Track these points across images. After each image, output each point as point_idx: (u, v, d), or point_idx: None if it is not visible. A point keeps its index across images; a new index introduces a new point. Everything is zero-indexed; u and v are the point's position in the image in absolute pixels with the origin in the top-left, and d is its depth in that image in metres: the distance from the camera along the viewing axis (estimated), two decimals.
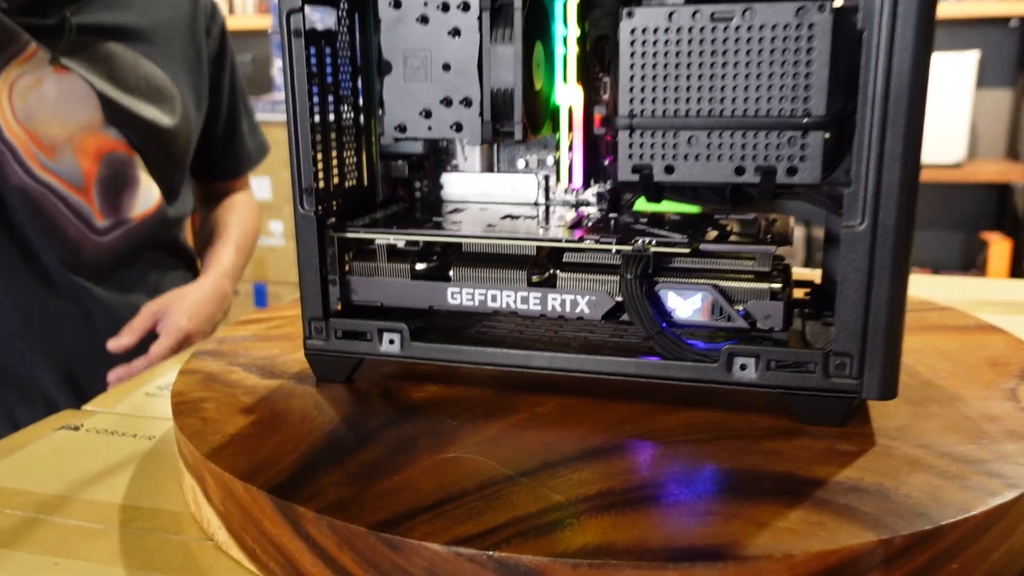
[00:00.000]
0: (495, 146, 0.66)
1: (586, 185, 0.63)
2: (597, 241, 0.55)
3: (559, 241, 0.56)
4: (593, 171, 0.63)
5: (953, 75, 2.82)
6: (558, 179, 0.64)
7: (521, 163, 0.65)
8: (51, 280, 0.99)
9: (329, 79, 0.58)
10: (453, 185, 0.67)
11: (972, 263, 3.13)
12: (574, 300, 0.57)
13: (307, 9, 0.55)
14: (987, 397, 0.55)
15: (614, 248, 0.55)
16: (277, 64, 2.87)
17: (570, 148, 0.61)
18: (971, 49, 2.83)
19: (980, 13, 2.84)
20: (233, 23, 3.38)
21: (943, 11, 2.84)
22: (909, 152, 0.47)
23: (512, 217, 0.62)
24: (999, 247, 2.92)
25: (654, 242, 0.54)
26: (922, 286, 0.98)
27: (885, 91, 0.46)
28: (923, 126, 0.48)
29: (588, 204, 0.64)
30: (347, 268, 0.60)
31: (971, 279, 1.08)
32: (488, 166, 0.66)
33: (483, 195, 0.66)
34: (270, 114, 2.70)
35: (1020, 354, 0.62)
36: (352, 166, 0.62)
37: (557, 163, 0.63)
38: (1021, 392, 0.56)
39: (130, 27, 1.07)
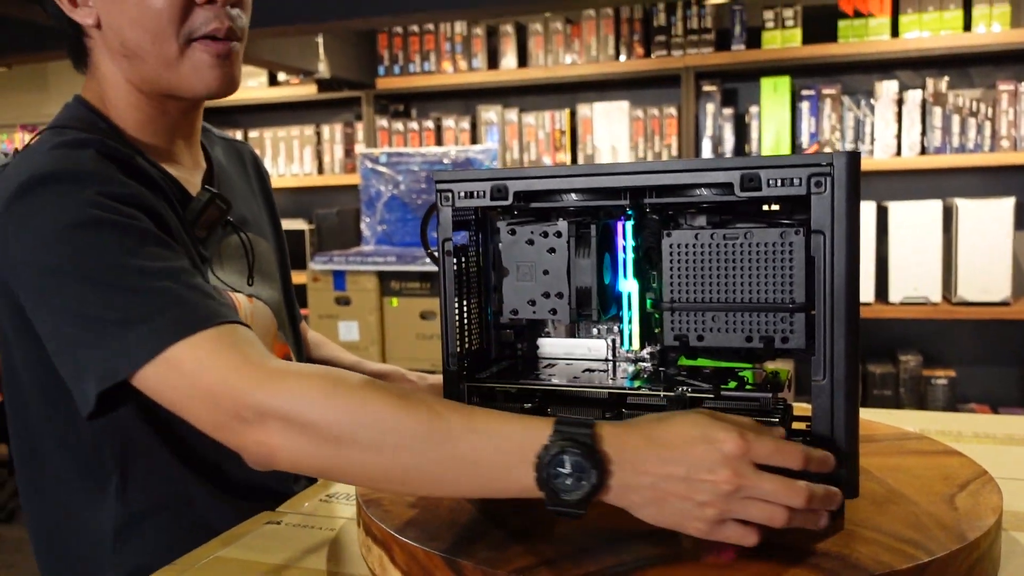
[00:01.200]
0: (583, 322, 0.92)
1: (642, 347, 0.89)
2: (650, 389, 0.80)
3: (623, 389, 0.82)
4: (647, 337, 0.88)
5: (992, 219, 3.03)
6: (622, 342, 0.90)
7: (595, 331, 0.92)
8: None
9: (464, 277, 0.86)
10: (546, 347, 0.93)
11: None
12: None
13: (454, 235, 0.83)
14: (932, 501, 0.77)
15: (662, 394, 0.80)
16: (365, 219, 3.23)
17: (630, 321, 0.88)
18: (1007, 196, 3.05)
19: (1014, 161, 3.08)
20: (322, 180, 3.82)
21: (981, 160, 3.08)
22: (850, 329, 0.72)
23: (590, 370, 0.88)
24: None
25: (689, 390, 0.79)
26: (981, 425, 1.13)
27: (831, 289, 0.72)
28: (858, 314, 0.73)
29: (644, 360, 0.90)
30: None
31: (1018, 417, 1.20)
32: (571, 333, 0.92)
33: (567, 353, 0.93)
34: (359, 265, 3.00)
35: (967, 471, 0.84)
36: (477, 336, 0.88)
37: (621, 331, 0.89)
38: (957, 499, 0.78)
39: (241, 213, 1.09)
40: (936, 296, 3.10)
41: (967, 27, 3.08)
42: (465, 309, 0.86)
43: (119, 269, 0.76)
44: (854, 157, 0.72)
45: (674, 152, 3.41)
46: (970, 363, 3.32)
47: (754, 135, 3.34)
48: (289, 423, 0.68)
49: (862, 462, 0.76)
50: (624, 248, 0.86)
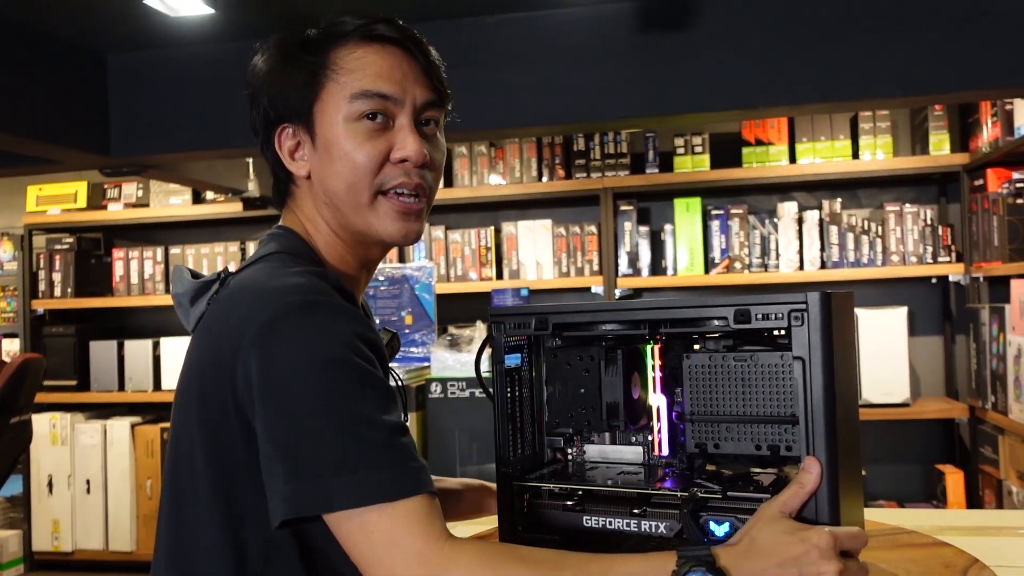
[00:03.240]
0: (615, 430, 1.01)
1: (671, 453, 0.97)
2: (668, 489, 0.88)
3: (647, 489, 0.90)
4: (673, 445, 0.97)
5: (888, 327, 3.29)
6: (654, 449, 0.98)
7: (631, 439, 1.00)
8: None
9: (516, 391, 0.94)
10: (592, 451, 1.02)
11: (933, 493, 3.45)
12: (656, 524, 0.90)
13: (506, 359, 0.91)
14: None
15: (678, 494, 0.88)
16: None
17: (659, 431, 0.96)
18: (901, 305, 3.33)
19: (904, 274, 3.38)
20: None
21: (875, 273, 3.37)
22: (829, 439, 0.82)
23: (626, 473, 0.95)
24: (954, 478, 3.25)
25: (701, 491, 0.88)
26: (895, 518, 1.30)
27: (811, 406, 0.83)
28: (842, 424, 0.83)
29: (672, 464, 0.98)
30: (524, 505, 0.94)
31: (933, 511, 1.40)
32: (612, 440, 1.00)
33: (610, 458, 1.01)
34: None
35: (963, 559, 0.95)
36: (529, 442, 0.95)
37: (651, 440, 0.98)
38: None
39: None
40: None
41: (855, 155, 3.42)
42: (518, 420, 0.94)
43: (354, 415, 0.80)
44: (826, 296, 0.84)
45: (595, 267, 3.58)
46: (878, 462, 3.53)
47: (669, 251, 3.55)
48: None
49: (869, 555, 0.86)
50: (652, 367, 0.96)
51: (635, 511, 0.91)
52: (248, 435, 0.85)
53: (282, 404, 0.81)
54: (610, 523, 0.92)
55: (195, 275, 1.00)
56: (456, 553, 0.77)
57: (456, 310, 3.54)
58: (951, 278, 3.35)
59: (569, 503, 0.93)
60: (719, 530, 0.87)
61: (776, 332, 0.91)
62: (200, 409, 0.91)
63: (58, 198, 4.13)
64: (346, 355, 0.83)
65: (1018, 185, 2.80)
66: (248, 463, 0.85)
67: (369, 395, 0.82)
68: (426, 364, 3.00)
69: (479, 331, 2.98)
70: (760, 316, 0.85)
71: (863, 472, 3.34)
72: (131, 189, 4.06)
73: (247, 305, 0.87)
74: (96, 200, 4.11)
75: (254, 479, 0.85)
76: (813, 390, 0.83)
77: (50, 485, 3.95)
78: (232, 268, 0.98)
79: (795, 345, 0.83)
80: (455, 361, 2.88)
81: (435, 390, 2.80)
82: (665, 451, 0.96)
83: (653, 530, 0.90)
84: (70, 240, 4.08)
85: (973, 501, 3.22)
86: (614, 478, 0.95)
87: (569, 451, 1.03)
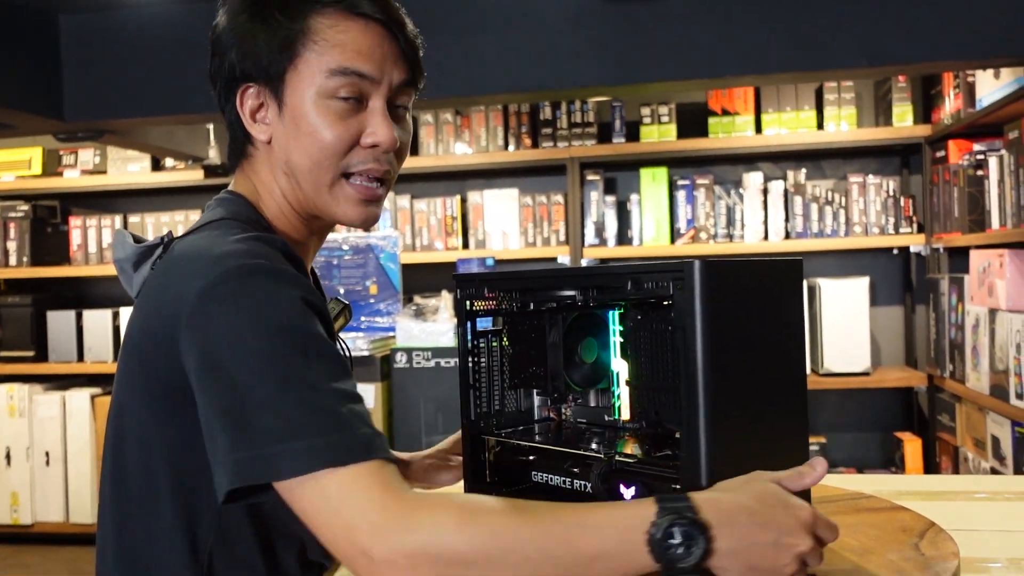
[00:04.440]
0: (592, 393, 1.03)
1: (632, 417, 0.96)
2: (592, 451, 0.91)
3: (574, 449, 0.93)
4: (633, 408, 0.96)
5: (850, 297, 3.33)
6: (613, 412, 0.98)
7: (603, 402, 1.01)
8: None
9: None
10: (577, 413, 1.04)
11: (892, 460, 3.52)
12: (584, 484, 0.92)
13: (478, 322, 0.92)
14: (901, 549, 0.88)
15: (595, 456, 0.90)
16: None
17: (618, 396, 0.96)
18: (863, 276, 3.37)
19: (866, 244, 3.42)
20: None
21: (838, 244, 3.40)
22: (709, 411, 0.80)
23: (589, 432, 0.96)
24: (912, 445, 3.32)
25: (617, 455, 0.88)
26: (854, 483, 1.31)
27: (690, 376, 0.82)
28: (717, 396, 0.80)
29: (631, 427, 0.97)
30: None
31: (891, 476, 1.43)
32: (595, 403, 1.03)
33: (588, 420, 1.03)
34: None
35: (919, 523, 0.96)
36: (496, 399, 1.00)
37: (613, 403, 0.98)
38: (921, 544, 0.89)
39: None
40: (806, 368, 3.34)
41: (820, 125, 3.43)
42: (480, 376, 0.99)
43: (300, 381, 0.76)
44: (707, 264, 0.80)
45: (562, 237, 3.57)
46: (837, 429, 3.59)
47: (635, 221, 3.56)
48: (424, 557, 0.71)
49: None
50: (614, 332, 0.95)
51: (575, 469, 0.92)
52: (195, 407, 0.82)
53: (225, 372, 0.78)
54: (551, 479, 0.95)
55: (137, 240, 0.97)
56: (421, 500, 0.74)
57: (422, 280, 3.51)
58: (912, 249, 3.39)
59: (523, 457, 0.96)
60: (627, 494, 0.88)
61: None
62: (143, 380, 0.89)
63: (12, 164, 4.02)
64: (292, 320, 0.80)
65: (978, 157, 2.83)
66: (196, 435, 0.82)
67: (316, 362, 0.79)
68: (391, 334, 2.98)
69: (445, 301, 2.97)
70: (650, 284, 0.83)
71: (824, 439, 3.39)
72: (88, 156, 3.96)
73: (189, 273, 0.84)
74: (52, 167, 4.01)
75: (203, 453, 0.82)
76: (688, 360, 0.79)
77: (8, 457, 3.88)
78: (178, 233, 0.95)
79: (675, 313, 0.81)
80: (420, 331, 2.86)
81: (400, 360, 2.79)
82: (625, 415, 0.95)
83: (583, 488, 0.92)
84: (25, 208, 3.98)
85: (931, 468, 3.28)
86: (566, 437, 0.97)
87: (564, 410, 1.05)
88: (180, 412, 0.84)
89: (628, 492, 0.88)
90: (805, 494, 0.81)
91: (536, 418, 1.05)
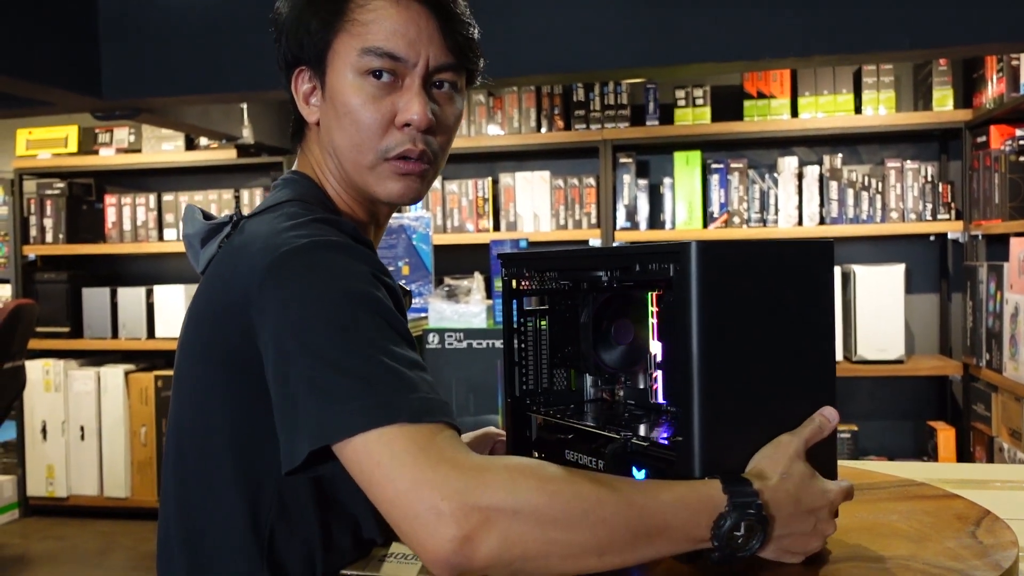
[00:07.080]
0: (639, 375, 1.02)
1: (666, 399, 0.95)
2: (611, 431, 0.90)
3: (596, 429, 0.92)
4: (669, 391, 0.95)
5: (885, 284, 3.29)
6: (652, 395, 0.97)
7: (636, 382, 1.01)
8: None
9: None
10: (623, 394, 1.03)
11: (924, 449, 3.49)
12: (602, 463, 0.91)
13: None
14: (958, 536, 0.86)
15: (613, 435, 0.89)
16: None
17: (653, 378, 0.95)
18: (899, 262, 3.33)
19: (902, 231, 3.37)
20: None
21: (873, 230, 3.36)
22: (703, 393, 0.80)
23: (632, 416, 0.95)
24: (945, 434, 3.28)
25: (633, 437, 0.87)
26: (901, 470, 1.30)
27: (686, 357, 0.81)
28: (713, 379, 0.79)
29: (663, 409, 0.96)
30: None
31: (926, 464, 1.41)
32: (641, 384, 1.02)
33: (628, 400, 1.03)
34: None
35: (975, 511, 0.94)
36: (541, 377, 1.00)
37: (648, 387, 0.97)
38: (978, 532, 0.87)
39: None
40: (838, 355, 3.32)
41: (858, 110, 3.38)
42: (525, 354, 1.00)
43: (376, 347, 0.77)
44: (707, 245, 0.78)
45: (593, 220, 3.56)
46: (869, 417, 3.56)
47: (667, 205, 3.53)
48: (501, 513, 0.71)
49: (879, 507, 0.87)
50: (650, 313, 0.94)
51: (601, 449, 0.92)
52: (260, 379, 0.83)
53: (298, 337, 0.78)
54: (580, 458, 0.94)
55: (207, 216, 0.98)
56: (492, 460, 0.74)
57: (453, 261, 3.51)
58: (950, 236, 3.34)
59: (561, 436, 0.96)
60: (638, 475, 0.87)
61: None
62: (210, 355, 0.89)
63: (48, 142, 4.06)
64: (364, 289, 0.81)
65: (1021, 142, 2.77)
66: (260, 409, 0.83)
67: (387, 330, 0.80)
68: (423, 315, 2.99)
69: (476, 282, 2.97)
70: (654, 267, 0.82)
71: (855, 427, 3.36)
72: (123, 134, 3.99)
73: (261, 248, 0.85)
74: (87, 145, 4.05)
75: (265, 429, 0.83)
76: (684, 343, 0.78)
77: (44, 431, 3.95)
78: (245, 213, 0.96)
79: (674, 295, 0.80)
80: (452, 312, 2.87)
81: (432, 341, 2.79)
82: (660, 398, 0.94)
83: (600, 468, 0.91)
84: (61, 185, 4.03)
85: (964, 457, 3.25)
86: (602, 417, 0.97)
87: (595, 390, 1.05)
88: (244, 384, 0.85)
89: (639, 475, 0.88)
90: (831, 461, 0.84)
91: (587, 398, 1.04)
